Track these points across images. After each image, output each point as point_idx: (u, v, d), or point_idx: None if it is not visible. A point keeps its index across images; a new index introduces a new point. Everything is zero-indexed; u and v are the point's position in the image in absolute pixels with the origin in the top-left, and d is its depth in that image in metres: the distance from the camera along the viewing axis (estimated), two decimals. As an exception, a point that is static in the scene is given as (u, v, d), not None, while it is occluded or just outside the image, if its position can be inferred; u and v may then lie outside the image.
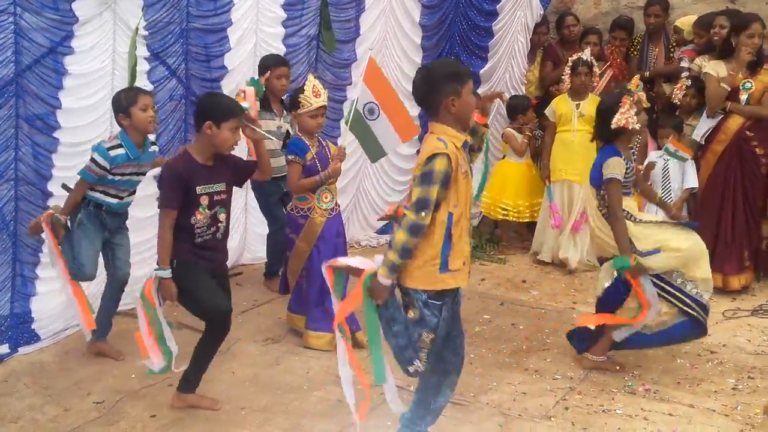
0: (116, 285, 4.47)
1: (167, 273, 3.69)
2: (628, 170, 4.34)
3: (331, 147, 4.75)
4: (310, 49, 6.22)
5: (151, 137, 4.49)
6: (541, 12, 7.28)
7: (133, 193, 4.47)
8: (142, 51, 5.04)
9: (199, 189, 3.72)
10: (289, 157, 4.58)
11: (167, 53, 5.23)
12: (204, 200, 3.73)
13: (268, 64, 5.34)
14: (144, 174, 4.45)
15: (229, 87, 5.65)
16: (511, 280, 6.19)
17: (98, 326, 4.38)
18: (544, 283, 6.15)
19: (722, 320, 5.21)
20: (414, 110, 7.18)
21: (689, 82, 6.11)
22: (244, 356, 4.55)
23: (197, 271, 3.80)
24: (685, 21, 6.61)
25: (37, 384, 4.18)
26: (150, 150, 4.39)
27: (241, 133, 3.82)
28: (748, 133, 5.75)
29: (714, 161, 5.88)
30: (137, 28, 4.89)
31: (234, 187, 3.98)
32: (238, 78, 5.66)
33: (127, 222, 4.53)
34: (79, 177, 4.22)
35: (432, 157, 2.95)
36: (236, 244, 6.12)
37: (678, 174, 5.93)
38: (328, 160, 4.64)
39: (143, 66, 5.08)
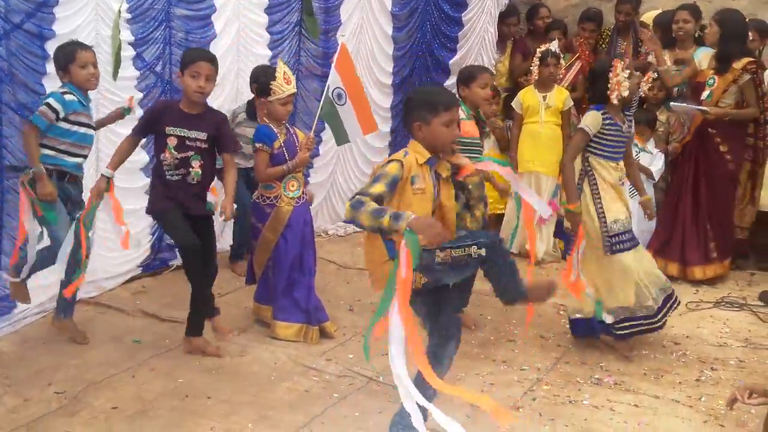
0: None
1: (109, 173, 4.16)
2: (616, 132, 4.35)
3: (299, 135, 4.68)
4: (294, 36, 6.14)
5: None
6: (506, 1, 7.29)
7: (89, 150, 4.35)
8: (126, 35, 4.91)
9: (168, 129, 4.03)
10: (257, 144, 4.50)
11: (150, 39, 5.13)
12: (171, 141, 4.05)
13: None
14: (94, 128, 4.34)
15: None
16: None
17: (60, 304, 4.41)
18: (510, 274, 6.14)
19: (685, 312, 5.27)
20: (386, 102, 7.16)
21: (656, 75, 6.16)
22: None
23: (169, 216, 4.16)
24: (651, 15, 6.66)
25: (-5, 374, 4.07)
26: (91, 104, 4.38)
27: None
28: (710, 130, 5.79)
29: (675, 156, 6.05)
30: (119, 11, 4.75)
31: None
32: (226, 65, 5.58)
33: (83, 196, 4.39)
34: (29, 122, 4.06)
35: (388, 162, 3.21)
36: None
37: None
38: (295, 148, 4.57)
39: (128, 51, 4.97)
